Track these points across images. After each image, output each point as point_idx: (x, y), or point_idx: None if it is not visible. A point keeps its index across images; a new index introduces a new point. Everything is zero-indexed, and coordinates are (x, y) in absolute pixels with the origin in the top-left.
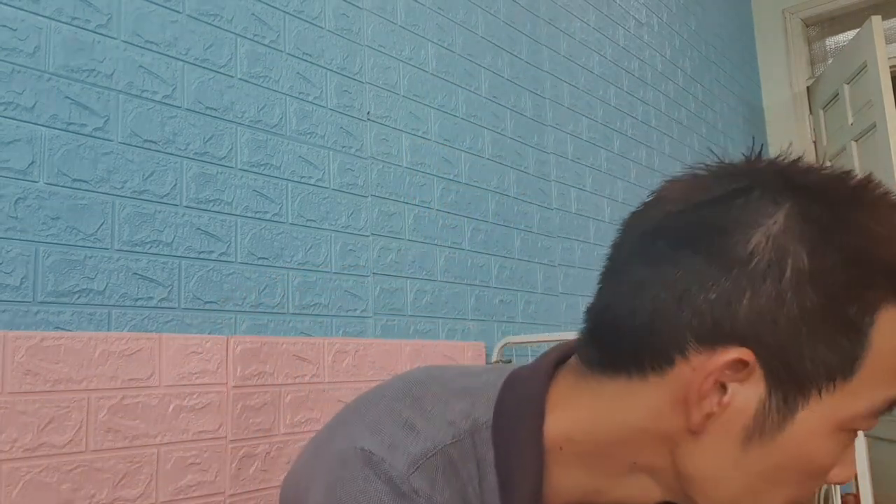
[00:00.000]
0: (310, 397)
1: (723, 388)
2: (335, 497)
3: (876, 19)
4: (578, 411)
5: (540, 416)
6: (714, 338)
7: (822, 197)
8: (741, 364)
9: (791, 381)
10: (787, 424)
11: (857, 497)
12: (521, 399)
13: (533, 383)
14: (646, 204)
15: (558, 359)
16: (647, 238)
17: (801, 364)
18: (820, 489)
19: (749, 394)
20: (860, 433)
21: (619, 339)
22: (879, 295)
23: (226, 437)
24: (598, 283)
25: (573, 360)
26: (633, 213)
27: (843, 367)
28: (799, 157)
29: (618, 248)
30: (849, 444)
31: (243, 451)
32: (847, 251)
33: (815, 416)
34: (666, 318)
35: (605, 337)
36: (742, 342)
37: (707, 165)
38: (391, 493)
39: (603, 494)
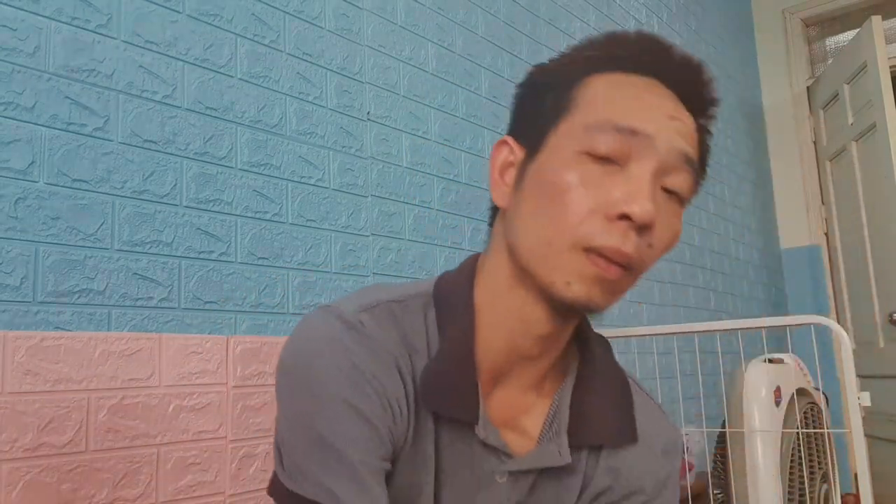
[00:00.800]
0: None
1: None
2: (296, 334)
3: (876, 19)
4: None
5: (470, 284)
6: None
7: None
8: (507, 145)
9: (530, 136)
10: (535, 164)
11: (857, 497)
12: (456, 276)
13: (464, 265)
14: None
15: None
16: None
17: (534, 122)
18: (819, 489)
19: (516, 159)
20: (859, 434)
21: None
22: (589, 68)
23: (226, 437)
24: None
25: None
26: None
27: (558, 114)
28: None
29: None
30: (604, 176)
31: (243, 451)
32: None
33: (551, 150)
34: None
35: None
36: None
37: None
38: (341, 325)
39: (517, 350)
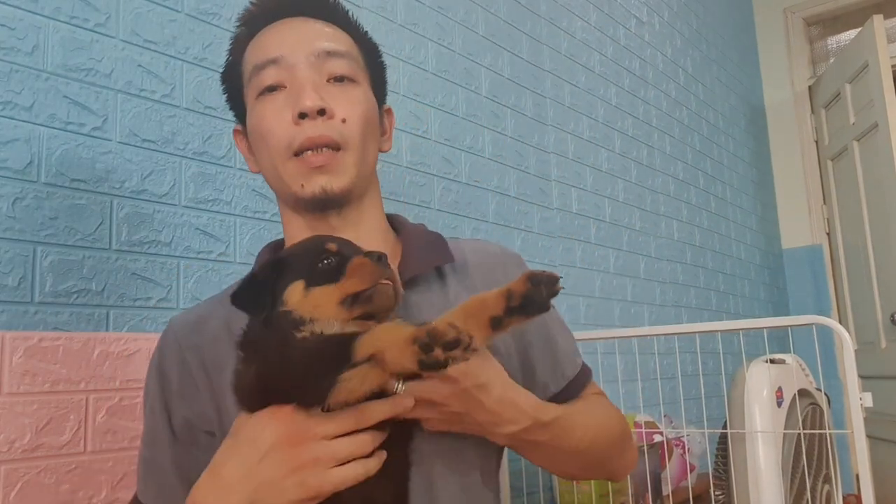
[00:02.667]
0: None
1: None
2: None
3: (878, 18)
4: None
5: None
6: None
7: None
8: (238, 131)
9: (238, 112)
10: (248, 127)
11: (858, 498)
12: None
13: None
14: None
15: None
16: None
17: (235, 101)
18: (821, 490)
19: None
20: (860, 435)
21: None
22: (240, 45)
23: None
24: None
25: None
26: None
27: (239, 84)
28: None
29: None
30: (278, 99)
31: None
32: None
33: (249, 110)
34: None
35: None
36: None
37: None
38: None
39: None
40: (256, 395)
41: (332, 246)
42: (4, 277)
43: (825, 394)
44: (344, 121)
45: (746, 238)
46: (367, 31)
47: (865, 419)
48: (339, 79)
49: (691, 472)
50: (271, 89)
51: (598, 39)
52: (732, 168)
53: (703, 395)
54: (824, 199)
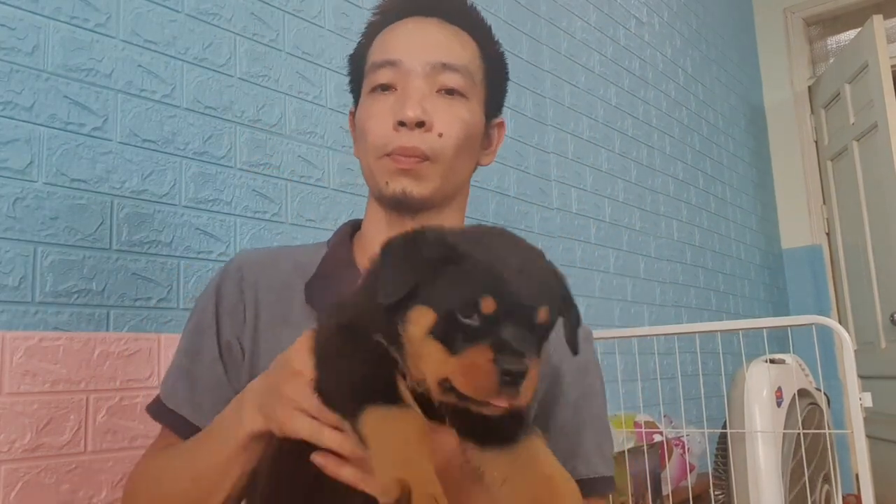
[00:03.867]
0: None
1: None
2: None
3: (877, 18)
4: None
5: (347, 229)
6: None
7: None
8: (351, 114)
9: (355, 97)
10: (357, 114)
11: (858, 498)
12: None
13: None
14: None
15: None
16: None
17: (355, 86)
18: (820, 490)
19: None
20: (860, 435)
21: None
22: (370, 32)
23: None
24: None
25: None
26: None
27: (361, 72)
28: None
29: None
30: (387, 101)
31: None
32: None
33: (361, 99)
34: None
35: None
36: None
37: None
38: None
39: None
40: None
41: (489, 305)
42: (5, 277)
43: (825, 394)
44: (440, 135)
45: (746, 238)
46: (497, 41)
47: (865, 419)
48: (450, 91)
49: (691, 472)
50: (384, 88)
51: (598, 39)
52: (732, 168)
53: (702, 395)
54: (824, 200)
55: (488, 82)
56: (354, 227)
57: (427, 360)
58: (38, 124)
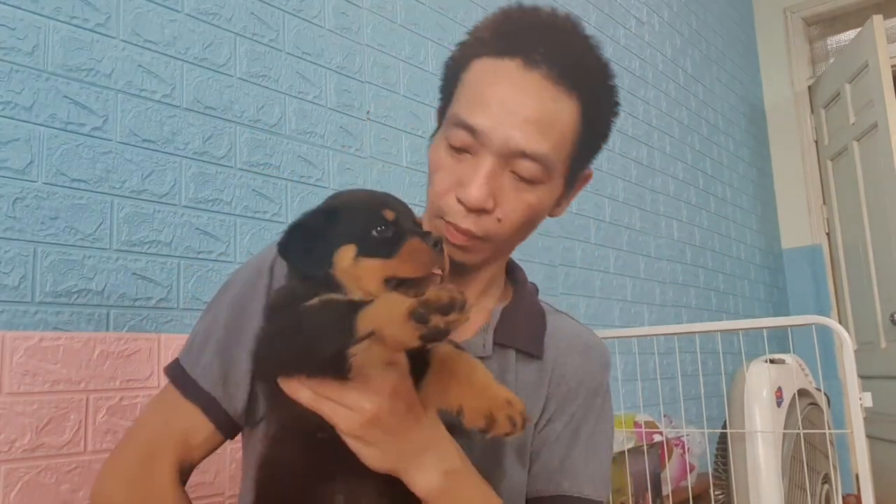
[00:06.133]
0: None
1: None
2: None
3: (877, 18)
4: None
5: None
6: None
7: None
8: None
9: (441, 114)
10: (434, 138)
11: (858, 498)
12: None
13: None
14: None
15: None
16: None
17: (444, 102)
18: (820, 490)
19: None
20: (860, 435)
21: None
22: (469, 54)
23: None
24: None
25: None
26: None
27: (450, 97)
28: None
29: None
30: (457, 164)
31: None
32: None
33: (442, 128)
34: None
35: None
36: None
37: None
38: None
39: None
40: (269, 363)
41: (390, 214)
42: (5, 277)
43: (825, 394)
44: (500, 220)
45: (746, 238)
46: (609, 96)
47: (865, 419)
48: (522, 177)
49: (691, 471)
50: (457, 150)
51: (598, 39)
52: (732, 168)
53: (702, 395)
54: (824, 199)
55: (578, 146)
56: None
57: (367, 273)
58: (38, 124)
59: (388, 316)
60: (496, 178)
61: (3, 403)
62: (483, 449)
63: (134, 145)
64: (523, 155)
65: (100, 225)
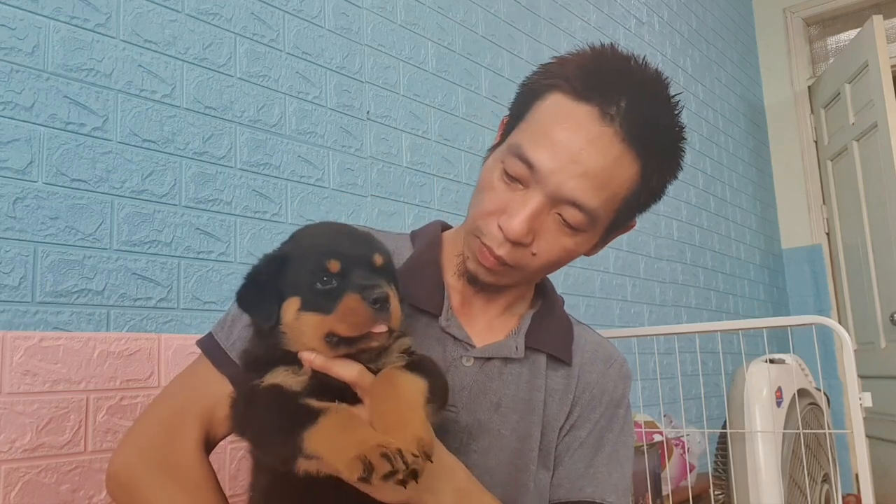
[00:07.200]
0: None
1: None
2: None
3: (877, 19)
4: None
5: (440, 227)
6: None
7: None
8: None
9: (506, 130)
10: (493, 153)
11: (858, 498)
12: (425, 229)
13: (433, 225)
14: None
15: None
16: None
17: (512, 119)
18: (820, 490)
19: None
20: (860, 435)
21: None
22: (549, 84)
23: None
24: None
25: None
26: None
27: (519, 118)
28: None
29: None
30: (508, 191)
31: (242, 451)
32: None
33: (503, 146)
34: None
35: None
36: None
37: None
38: None
39: (470, 286)
40: (238, 424)
41: (335, 265)
42: (5, 277)
43: (825, 394)
44: (534, 255)
45: (746, 238)
46: (673, 161)
47: (865, 419)
48: (565, 222)
49: (691, 471)
50: (510, 177)
51: (598, 39)
52: (732, 168)
53: (703, 395)
54: (824, 199)
55: (632, 202)
56: (444, 228)
57: (307, 329)
58: (38, 124)
59: (336, 450)
60: (541, 217)
61: (4, 403)
62: (511, 453)
63: (134, 145)
64: (573, 204)
65: (100, 225)
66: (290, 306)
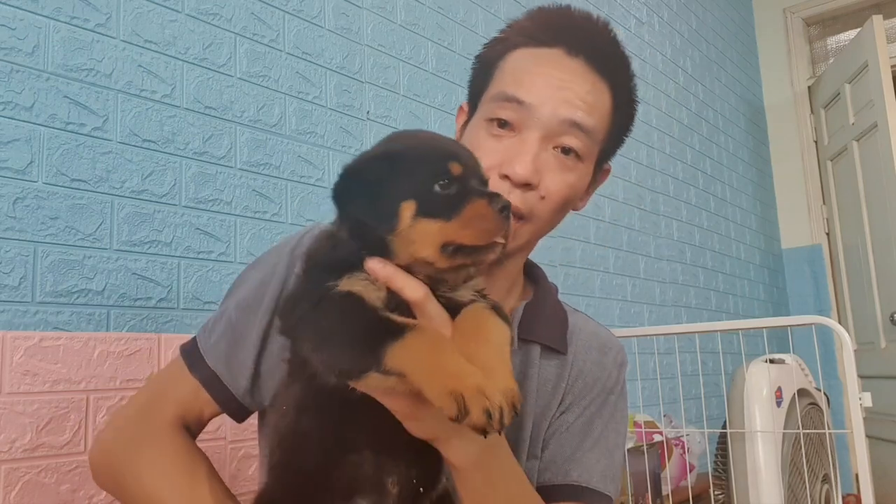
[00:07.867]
0: None
1: None
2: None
3: (877, 19)
4: None
5: None
6: None
7: None
8: (463, 110)
9: (472, 101)
10: (469, 124)
11: (858, 498)
12: None
13: None
14: None
15: None
16: None
17: (474, 90)
18: (820, 490)
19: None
20: (860, 434)
21: None
22: (508, 46)
23: (225, 437)
24: None
25: None
26: None
27: (485, 84)
28: None
29: None
30: (499, 143)
31: (243, 451)
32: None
33: (478, 113)
34: None
35: None
36: None
37: None
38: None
39: None
40: (292, 329)
41: (457, 168)
42: (5, 277)
43: (825, 394)
44: (543, 198)
45: (746, 238)
46: (632, 87)
47: (865, 419)
48: (566, 150)
49: (691, 471)
50: (501, 124)
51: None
52: (732, 168)
53: (702, 395)
54: (824, 199)
55: (609, 134)
56: None
57: (423, 237)
58: (38, 124)
59: (426, 375)
60: (541, 156)
61: (4, 403)
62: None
63: (134, 145)
64: (573, 124)
65: (100, 225)
66: (406, 210)
